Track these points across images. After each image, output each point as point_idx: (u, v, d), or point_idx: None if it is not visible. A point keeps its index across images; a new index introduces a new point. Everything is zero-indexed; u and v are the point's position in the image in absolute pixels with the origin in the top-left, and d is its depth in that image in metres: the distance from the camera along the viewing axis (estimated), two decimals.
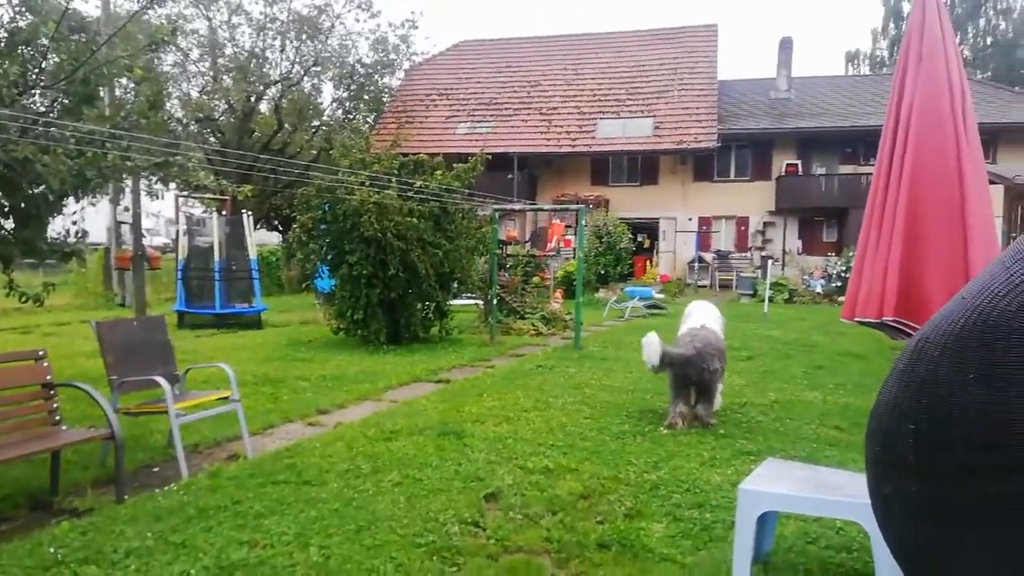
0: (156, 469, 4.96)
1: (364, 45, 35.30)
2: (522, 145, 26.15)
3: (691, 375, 5.92)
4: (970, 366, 1.43)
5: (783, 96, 28.02)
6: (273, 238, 30.52)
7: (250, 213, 15.68)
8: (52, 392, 4.50)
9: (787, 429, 5.96)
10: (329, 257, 11.05)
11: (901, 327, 4.00)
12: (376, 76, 29.95)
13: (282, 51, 27.39)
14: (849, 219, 23.35)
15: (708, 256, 25.90)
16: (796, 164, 25.66)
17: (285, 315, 15.71)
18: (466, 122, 27.77)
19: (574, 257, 17.40)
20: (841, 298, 17.59)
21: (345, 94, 29.99)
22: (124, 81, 11.00)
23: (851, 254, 19.79)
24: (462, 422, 6.02)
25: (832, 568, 3.38)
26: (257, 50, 27.03)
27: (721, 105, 26.37)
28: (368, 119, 30.50)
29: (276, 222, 28.47)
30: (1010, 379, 1.36)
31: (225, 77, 26.90)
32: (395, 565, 3.34)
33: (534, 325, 13.10)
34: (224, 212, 15.79)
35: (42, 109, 7.46)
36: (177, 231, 15.63)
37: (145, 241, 16.23)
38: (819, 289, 21.99)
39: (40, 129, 6.58)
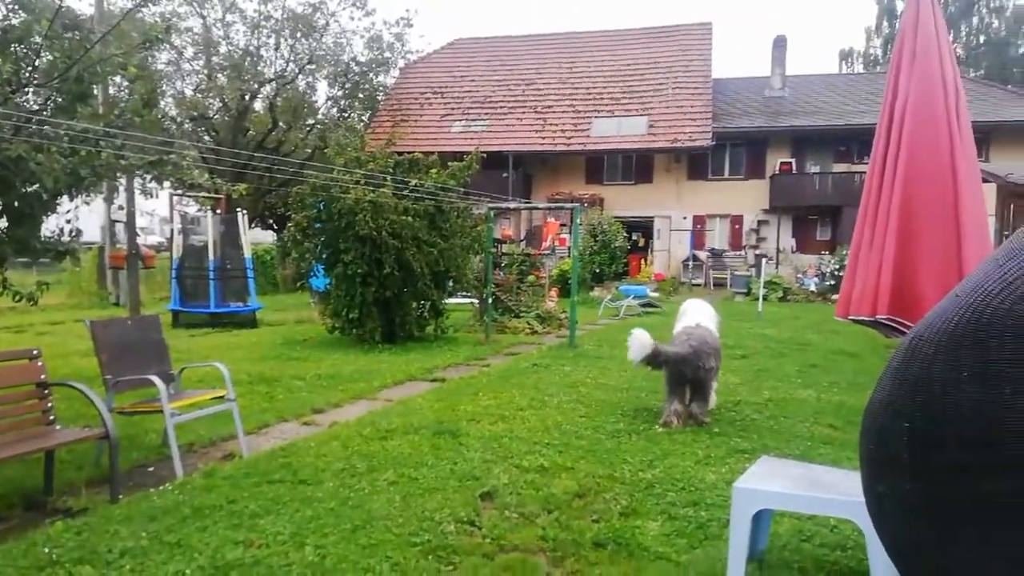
0: (151, 469, 4.95)
1: (359, 43, 35.25)
2: (517, 144, 26.14)
3: (686, 373, 5.93)
4: (964, 364, 1.43)
5: (777, 94, 28.08)
6: (268, 237, 30.46)
7: (245, 212, 15.64)
8: (46, 391, 4.49)
9: (781, 427, 5.98)
10: (324, 256, 11.04)
11: (895, 325, 4.02)
12: (371, 74, 29.93)
13: (276, 49, 27.35)
14: (843, 217, 23.42)
15: (702, 255, 25.95)
16: (790, 162, 25.71)
17: (280, 314, 15.68)
18: (461, 120, 27.75)
19: (569, 256, 17.41)
20: (835, 296, 17.63)
21: (340, 92, 29.96)
22: (118, 79, 10.97)
23: (845, 252, 19.86)
24: (457, 421, 6.02)
25: (827, 566, 3.39)
26: (251, 48, 26.98)
27: (715, 103, 26.41)
28: (363, 117, 30.46)
29: (271, 221, 28.43)
30: (1004, 377, 1.36)
31: (219, 75, 26.83)
32: (391, 564, 3.34)
33: (529, 324, 13.11)
34: (219, 211, 15.73)
35: (35, 107, 7.42)
36: (172, 230, 15.58)
37: (139, 240, 16.16)
38: (813, 287, 22.06)
39: (34, 127, 6.56)
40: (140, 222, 20.11)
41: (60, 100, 7.26)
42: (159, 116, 20.06)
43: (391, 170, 11.26)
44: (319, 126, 28.91)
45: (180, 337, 11.65)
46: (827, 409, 6.66)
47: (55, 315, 15.47)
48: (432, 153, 12.30)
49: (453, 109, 28.38)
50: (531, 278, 17.11)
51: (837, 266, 20.87)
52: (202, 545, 3.51)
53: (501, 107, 28.07)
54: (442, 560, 3.40)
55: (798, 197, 25.16)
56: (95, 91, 8.40)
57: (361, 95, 30.23)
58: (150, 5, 12.46)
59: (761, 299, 17.53)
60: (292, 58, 27.38)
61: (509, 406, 6.63)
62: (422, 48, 33.06)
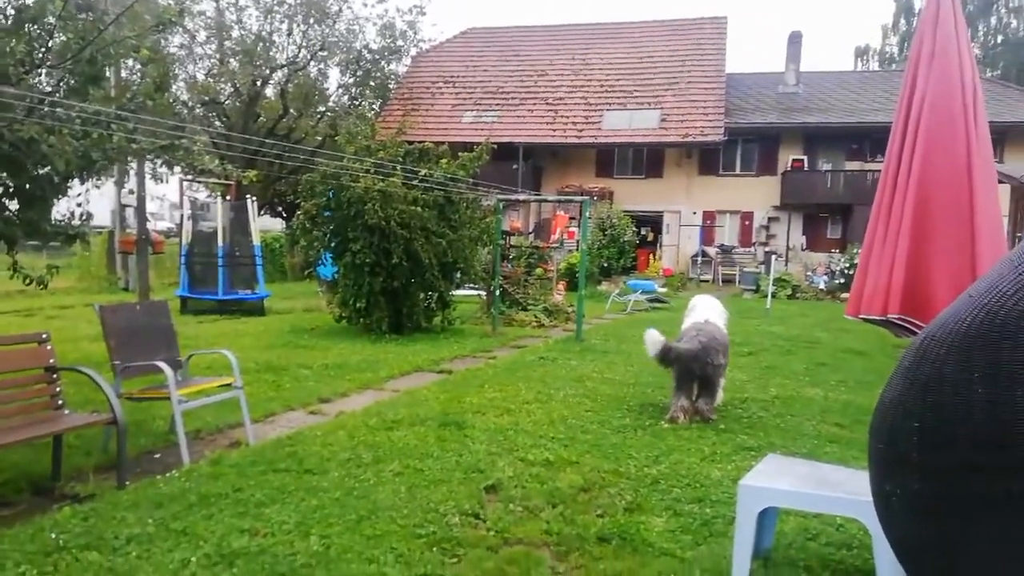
0: (158, 455, 4.97)
1: (371, 30, 35.25)
2: (528, 135, 26.07)
3: (695, 370, 5.92)
4: (976, 365, 1.41)
5: (791, 91, 27.88)
6: (277, 224, 30.51)
7: (254, 199, 15.67)
8: (55, 376, 4.51)
9: (788, 425, 5.96)
10: (332, 244, 11.04)
11: (906, 325, 3.99)
12: (383, 62, 29.86)
13: (289, 35, 27.31)
14: (854, 216, 23.27)
15: (712, 250, 25.85)
16: (802, 159, 25.55)
17: (288, 302, 15.72)
18: (472, 111, 27.69)
19: (577, 249, 17.38)
20: (844, 295, 17.55)
21: (351, 80, 29.90)
22: (131, 62, 10.98)
23: (855, 251, 19.75)
24: (463, 413, 6.02)
25: (832, 565, 3.38)
26: (264, 33, 26.95)
27: (728, 99, 26.25)
28: (374, 106, 30.42)
29: (280, 208, 28.46)
30: (1016, 378, 1.34)
31: (231, 60, 26.84)
32: (395, 555, 3.35)
33: (536, 317, 13.10)
34: (228, 197, 15.77)
35: (48, 89, 7.43)
36: (181, 216, 15.62)
37: (149, 225, 16.22)
38: (822, 285, 21.95)
39: (46, 109, 6.57)
40: (150, 207, 20.22)
41: (73, 82, 7.26)
42: (171, 100, 20.11)
43: (401, 159, 11.24)
44: (330, 114, 28.90)
45: (188, 323, 11.69)
46: (834, 407, 6.63)
47: (64, 299, 15.56)
48: (442, 143, 12.27)
49: (464, 99, 28.31)
50: (539, 271, 17.08)
51: (847, 264, 20.75)
52: (208, 533, 3.52)
53: (513, 98, 27.98)
54: (446, 552, 3.41)
55: (809, 194, 25.01)
56: (108, 73, 8.41)
57: (373, 83, 30.18)
58: None
59: (770, 296, 17.46)
60: (304, 44, 27.36)
61: (515, 399, 6.63)
62: (435, 37, 33.08)
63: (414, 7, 28.62)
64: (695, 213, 26.28)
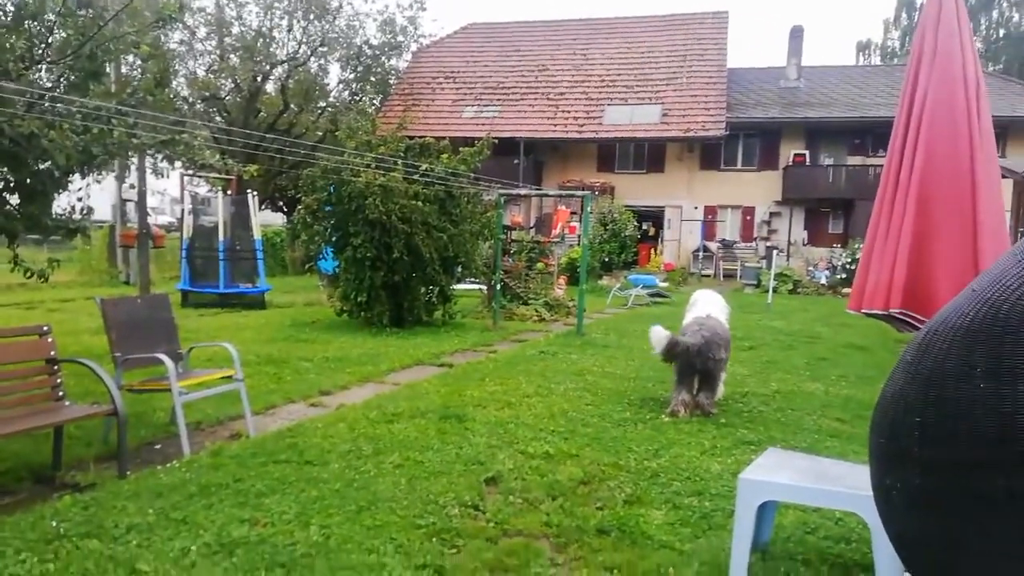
0: (158, 446, 4.98)
1: (371, 26, 35.28)
2: (529, 130, 26.04)
3: (696, 364, 5.92)
4: (978, 360, 1.41)
5: (792, 85, 27.81)
6: (278, 219, 30.54)
7: (255, 193, 15.66)
8: (56, 368, 4.52)
9: (788, 419, 5.96)
10: (333, 239, 11.04)
11: (908, 320, 3.99)
12: (383, 58, 29.82)
13: (289, 31, 27.28)
14: (856, 211, 23.24)
15: (713, 245, 25.83)
16: (804, 154, 25.51)
17: (289, 296, 15.74)
18: (473, 106, 27.65)
19: (578, 244, 17.37)
20: (845, 290, 17.54)
21: (352, 75, 29.87)
22: (131, 58, 10.97)
23: (857, 246, 19.74)
24: (464, 406, 6.03)
25: (831, 559, 3.39)
26: (264, 29, 26.92)
27: (730, 93, 26.19)
28: (374, 101, 30.39)
29: (281, 203, 28.48)
30: (1018, 373, 1.34)
31: (232, 56, 26.80)
32: (395, 546, 3.35)
33: (537, 311, 13.10)
34: (229, 192, 15.78)
35: (48, 84, 7.43)
36: (182, 210, 15.63)
37: (150, 219, 16.24)
38: (823, 280, 21.93)
39: (46, 104, 6.57)
40: (151, 201, 20.21)
41: (73, 77, 7.26)
42: (171, 96, 20.09)
43: (402, 154, 11.23)
44: (330, 109, 28.87)
45: (189, 317, 11.71)
46: (835, 402, 6.63)
47: (66, 292, 15.58)
48: (443, 138, 12.28)
49: (465, 94, 28.26)
50: (540, 265, 17.08)
51: (849, 259, 20.74)
52: (208, 522, 3.53)
53: (513, 93, 27.93)
54: (446, 543, 3.42)
55: (811, 189, 24.97)
56: (108, 69, 8.41)
57: (373, 78, 30.14)
58: None
59: (771, 291, 17.45)
60: (304, 40, 27.33)
61: (515, 392, 6.64)
62: (435, 32, 33.14)
63: (414, 3, 28.63)
64: (696, 208, 26.24)
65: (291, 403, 6.29)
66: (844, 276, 20.60)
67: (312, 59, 27.85)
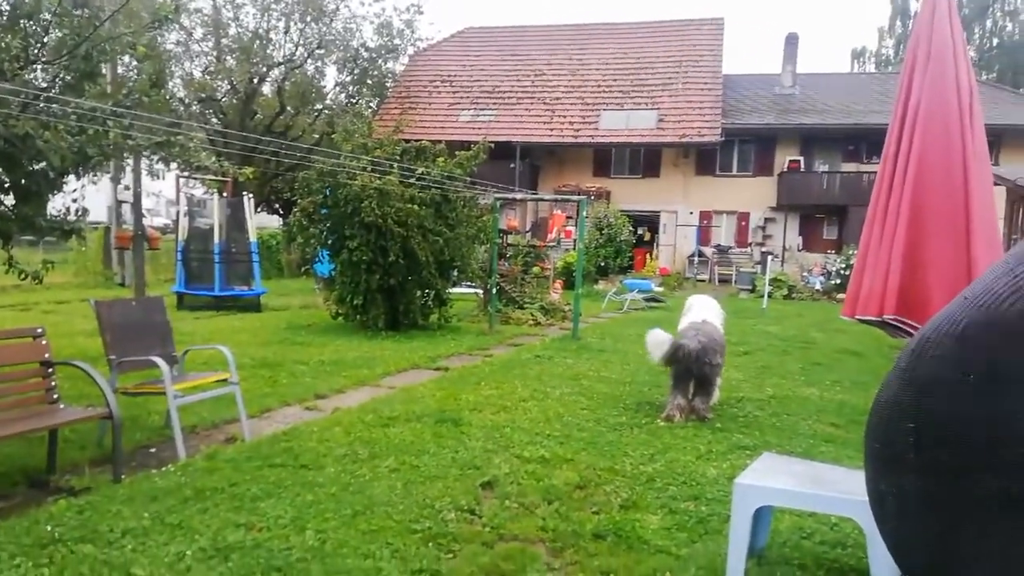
0: (153, 450, 4.96)
1: (368, 29, 35.19)
2: (525, 134, 26.07)
3: (692, 369, 5.93)
4: (971, 366, 1.43)
5: (787, 92, 27.94)
6: (273, 221, 30.48)
7: (251, 195, 15.65)
8: (50, 370, 4.50)
9: (783, 424, 5.98)
10: (329, 242, 11.03)
11: (902, 326, 4.01)
12: (380, 61, 29.83)
13: (286, 33, 27.27)
14: (850, 217, 23.35)
15: (708, 250, 25.89)
16: (799, 160, 25.62)
17: (284, 299, 15.70)
18: (469, 110, 27.68)
19: (574, 248, 17.39)
20: (840, 295, 17.58)
21: (348, 78, 29.87)
22: (127, 59, 10.95)
23: (851, 252, 19.80)
24: (459, 410, 6.03)
25: (826, 563, 3.40)
26: (261, 31, 26.89)
27: (725, 99, 26.29)
28: (371, 104, 30.40)
29: (277, 205, 28.44)
30: (1010, 379, 1.36)
31: (228, 57, 26.78)
32: (391, 550, 3.35)
33: (533, 315, 13.11)
34: (225, 194, 15.75)
35: (43, 85, 7.41)
36: (178, 212, 15.59)
37: (145, 221, 16.18)
38: (818, 286, 21.99)
39: (41, 105, 6.55)
40: (146, 203, 20.15)
41: (68, 78, 7.24)
42: (167, 97, 20.04)
43: (398, 157, 11.23)
44: (327, 111, 28.86)
45: (184, 319, 11.67)
46: (830, 407, 6.65)
47: (60, 294, 15.52)
48: (439, 141, 12.26)
49: (462, 98, 28.30)
50: (536, 269, 17.10)
51: (843, 265, 20.81)
52: (203, 527, 3.52)
53: (510, 97, 27.98)
54: (442, 548, 3.42)
55: (806, 195, 25.09)
56: (103, 70, 8.39)
57: (370, 81, 30.14)
58: None
59: (766, 296, 17.50)
60: (301, 42, 27.31)
61: (511, 396, 6.64)
62: (432, 36, 33.07)
63: (411, 6, 28.76)
64: (692, 213, 26.32)
65: (286, 406, 6.28)
66: (838, 282, 20.65)
67: (309, 61, 27.85)
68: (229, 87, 26.64)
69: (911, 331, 3.91)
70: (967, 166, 3.93)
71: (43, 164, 6.55)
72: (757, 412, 6.37)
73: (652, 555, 3.41)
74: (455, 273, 12.06)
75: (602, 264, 23.20)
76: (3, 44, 6.29)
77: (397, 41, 29.38)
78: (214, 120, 27.07)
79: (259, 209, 24.24)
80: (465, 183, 11.77)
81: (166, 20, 7.90)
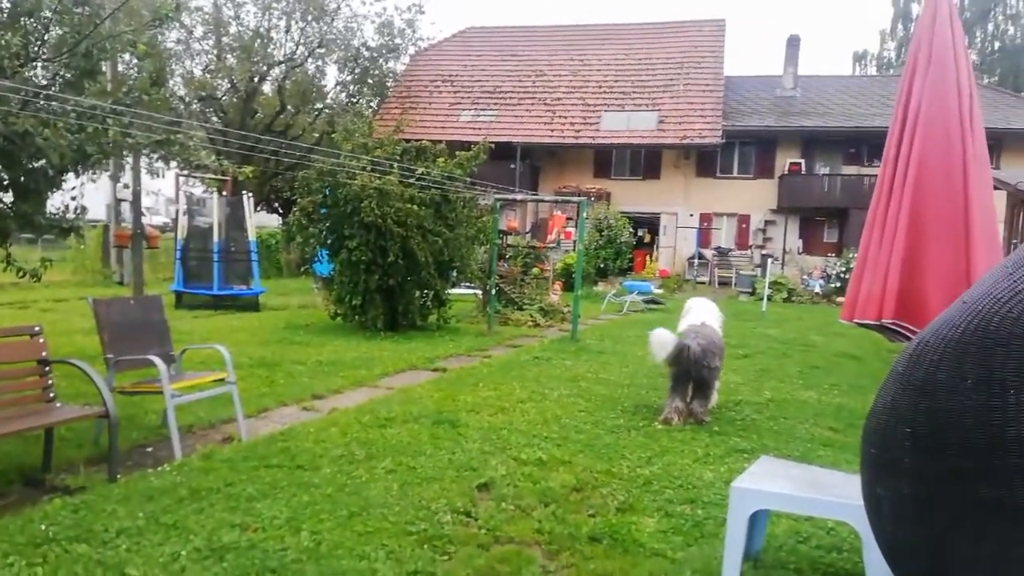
0: (149, 449, 4.96)
1: (369, 28, 35.22)
2: (525, 135, 26.07)
3: (691, 372, 5.92)
4: (969, 371, 1.41)
5: (789, 94, 27.94)
6: (273, 221, 30.47)
7: (250, 194, 15.65)
8: (47, 369, 4.50)
9: (781, 428, 5.97)
10: (329, 242, 11.02)
11: (900, 330, 4.00)
12: (381, 60, 29.84)
13: (287, 32, 27.28)
14: (850, 220, 23.34)
15: (708, 253, 25.88)
16: (799, 163, 25.61)
17: (283, 298, 15.69)
18: (470, 110, 27.68)
19: (574, 249, 17.39)
20: (840, 299, 17.57)
21: (349, 77, 29.88)
22: (127, 57, 10.94)
23: (851, 255, 19.79)
24: (457, 411, 6.02)
25: (822, 568, 3.39)
26: (262, 30, 26.91)
27: (726, 101, 26.29)
28: (372, 103, 30.40)
29: (276, 204, 28.44)
30: (1009, 385, 1.35)
31: (229, 56, 26.79)
32: (386, 552, 3.34)
33: (532, 316, 13.10)
34: (224, 193, 15.74)
35: (43, 82, 7.41)
36: (177, 210, 15.58)
37: (144, 220, 16.17)
38: (818, 289, 21.99)
39: (41, 102, 6.54)
40: (146, 202, 20.13)
41: (68, 76, 7.24)
42: (167, 95, 20.03)
43: (398, 157, 11.23)
44: (327, 111, 28.86)
45: (182, 318, 11.66)
46: (828, 411, 6.64)
47: (59, 292, 15.51)
48: (440, 141, 12.25)
49: (462, 98, 28.30)
50: (535, 271, 17.09)
51: (843, 268, 20.80)
52: (198, 527, 3.51)
53: (511, 98, 27.98)
54: (437, 550, 3.40)
55: (806, 198, 25.08)
56: (104, 68, 8.38)
57: (370, 81, 30.15)
58: None
59: (766, 299, 17.50)
60: (302, 41, 27.33)
61: (509, 398, 6.63)
62: (433, 35, 33.04)
63: (413, 6, 28.75)
64: (692, 215, 26.31)
65: (284, 407, 6.27)
66: (838, 285, 20.64)
67: (309, 60, 27.86)
68: (229, 86, 26.65)
69: (910, 335, 3.90)
70: (967, 170, 3.93)
71: (42, 162, 6.55)
72: (755, 415, 6.36)
73: (648, 558, 3.40)
74: (454, 274, 12.06)
75: (602, 266, 23.19)
76: (3, 41, 6.28)
77: (398, 41, 29.41)
78: (214, 119, 27.08)
79: (259, 208, 24.25)
80: (465, 183, 11.76)
81: (166, 18, 7.91)
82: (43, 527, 3.44)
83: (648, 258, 25.30)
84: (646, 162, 26.76)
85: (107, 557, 3.19)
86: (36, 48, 7.02)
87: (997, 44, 42.88)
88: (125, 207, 17.72)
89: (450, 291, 12.06)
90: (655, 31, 30.20)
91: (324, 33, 27.41)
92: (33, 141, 6.06)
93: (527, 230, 24.14)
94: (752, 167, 26.27)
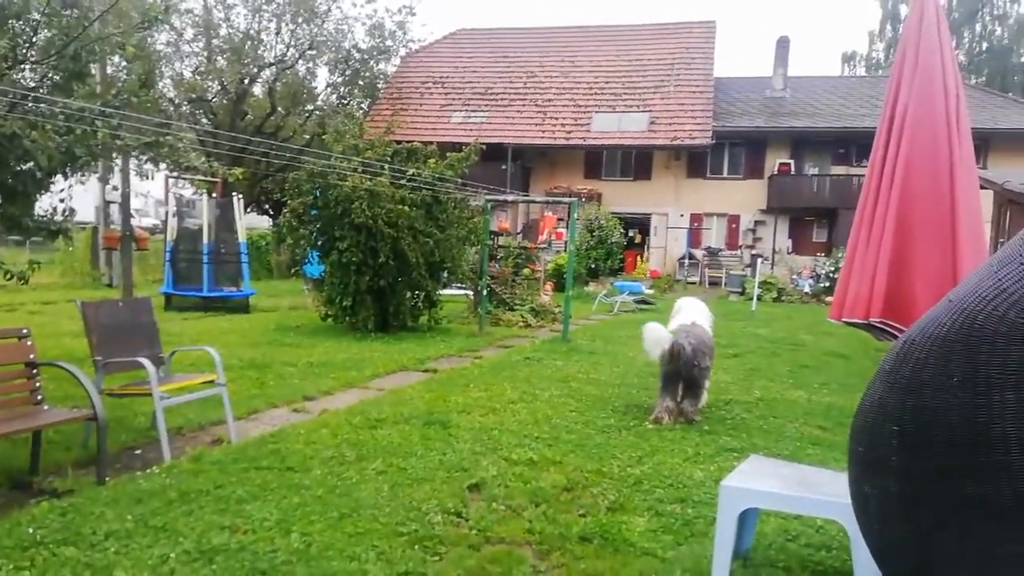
0: (138, 451, 4.93)
1: (360, 30, 35.15)
2: (516, 136, 26.08)
3: (681, 371, 5.94)
4: (955, 369, 1.43)
5: (778, 95, 28.07)
6: (263, 222, 30.36)
7: (240, 196, 15.59)
8: (35, 371, 4.46)
9: (771, 427, 5.99)
10: (319, 243, 11.00)
11: (888, 329, 4.03)
12: (371, 62, 29.76)
13: (277, 33, 27.18)
14: (839, 220, 23.46)
15: (698, 253, 25.96)
16: (789, 163, 25.73)
17: (273, 300, 15.64)
18: (461, 111, 27.66)
19: (565, 250, 17.40)
20: (829, 298, 17.66)
21: (340, 79, 29.80)
22: (116, 59, 10.90)
23: (840, 255, 19.90)
24: (448, 412, 6.01)
25: (811, 566, 3.40)
26: (252, 31, 26.80)
27: (716, 102, 26.38)
28: (362, 105, 30.32)
29: (267, 206, 28.33)
30: (993, 383, 1.36)
31: (219, 58, 26.68)
32: (377, 553, 3.34)
33: (523, 317, 13.10)
34: (214, 194, 15.68)
35: (32, 84, 7.36)
36: (166, 212, 15.51)
37: (134, 221, 16.09)
38: (807, 289, 22.09)
39: (29, 105, 6.50)
40: (135, 203, 20.04)
41: (57, 78, 7.20)
42: (157, 97, 19.93)
43: (389, 159, 11.21)
44: (318, 112, 28.78)
45: (172, 320, 11.61)
46: (817, 410, 6.67)
47: (47, 295, 15.40)
48: (431, 143, 12.25)
49: (453, 99, 28.28)
50: (526, 271, 17.10)
51: (832, 268, 20.91)
52: (188, 529, 3.50)
53: (502, 99, 27.99)
54: (428, 550, 3.40)
55: (795, 198, 25.19)
56: (93, 70, 8.34)
57: (361, 82, 30.08)
58: None
59: (755, 299, 17.57)
60: (293, 43, 27.23)
61: (500, 399, 6.63)
62: (424, 37, 32.93)
63: (403, 7, 28.58)
64: (682, 215, 26.38)
65: (274, 408, 6.25)
66: (827, 284, 20.75)
67: (300, 62, 27.76)
68: (220, 87, 26.54)
69: (897, 334, 3.93)
70: (954, 171, 3.96)
71: (30, 164, 6.51)
72: (745, 414, 6.38)
73: (638, 557, 3.41)
74: (445, 274, 12.05)
75: (593, 266, 23.23)
76: None
77: (389, 42, 29.33)
78: (204, 120, 26.96)
79: (249, 210, 24.17)
80: (456, 184, 11.76)
81: (156, 20, 7.88)
82: (31, 530, 3.41)
83: (639, 258, 25.35)
84: (637, 163, 26.83)
85: (95, 560, 3.17)
86: (24, 50, 6.98)
87: (984, 45, 43.20)
88: (114, 209, 17.64)
89: (441, 292, 12.05)
90: (645, 33, 30.28)
91: (315, 35, 27.33)
92: (21, 143, 6.02)
93: (518, 231, 24.16)
94: (742, 168, 26.37)
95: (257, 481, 4.21)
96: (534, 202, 22.64)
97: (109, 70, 12.69)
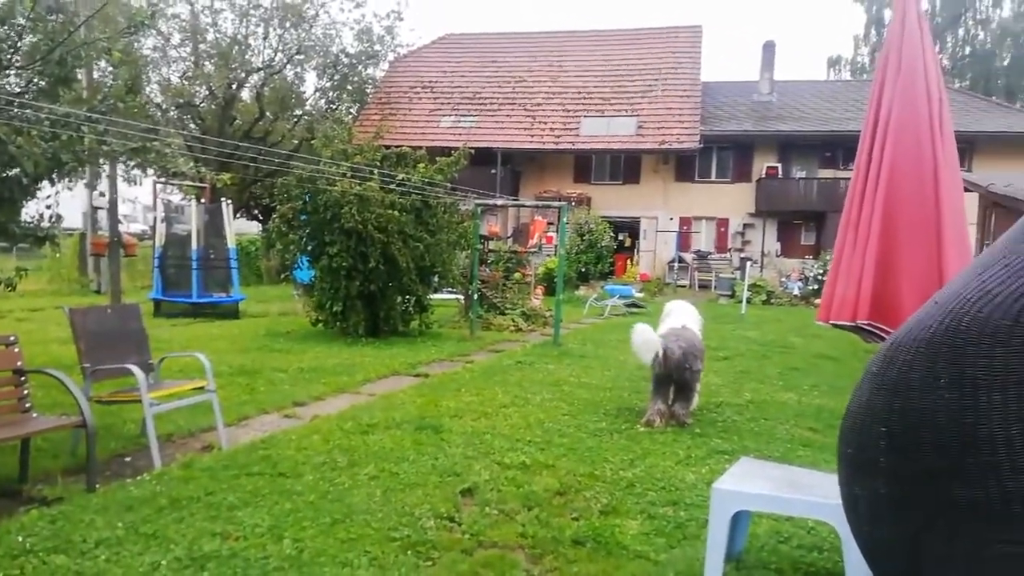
0: (128, 459, 4.90)
1: (348, 35, 35.16)
2: (506, 141, 26.11)
3: (672, 374, 5.95)
4: (941, 370, 1.45)
5: (765, 99, 28.24)
6: (253, 227, 30.24)
7: (229, 201, 15.52)
8: (23, 378, 4.43)
9: (762, 429, 6.02)
10: (309, 248, 10.98)
11: (875, 331, 4.06)
12: (360, 67, 29.76)
13: (265, 38, 27.13)
14: (827, 223, 23.62)
15: (688, 256, 26.06)
16: (776, 167, 25.88)
17: (263, 305, 15.58)
18: (450, 116, 27.67)
19: (555, 254, 17.43)
20: (817, 300, 17.76)
21: (328, 84, 29.77)
22: (102, 64, 10.84)
23: (828, 257, 20.02)
24: (440, 416, 6.01)
25: (803, 567, 3.42)
26: (239, 36, 26.75)
27: (704, 106, 26.52)
28: (351, 110, 30.29)
29: (256, 211, 28.23)
30: (979, 384, 1.38)
31: (206, 63, 26.58)
32: (369, 559, 3.33)
33: (514, 321, 13.11)
34: (203, 200, 15.60)
35: (17, 90, 7.32)
36: (155, 218, 15.43)
37: (122, 227, 15.99)
38: (796, 291, 22.22)
39: (15, 110, 6.47)
40: (123, 209, 19.92)
41: (42, 83, 7.16)
42: (144, 102, 19.85)
43: (378, 163, 11.21)
44: (307, 117, 28.72)
45: (161, 326, 11.54)
46: (807, 412, 6.71)
47: (35, 301, 15.28)
48: (420, 147, 12.26)
49: (442, 104, 28.29)
50: (517, 275, 17.11)
51: (821, 271, 21.05)
52: (178, 536, 3.48)
53: (491, 103, 28.02)
54: (421, 555, 3.40)
55: (783, 201, 25.34)
56: (78, 75, 8.30)
57: (350, 87, 30.05)
58: None
59: (745, 301, 17.65)
60: (280, 48, 27.19)
61: (492, 403, 6.63)
62: (412, 42, 33.03)
63: (392, 12, 28.84)
64: (672, 219, 26.48)
65: (264, 414, 6.22)
66: (816, 287, 20.89)
67: (288, 67, 27.73)
68: (207, 93, 26.44)
69: (884, 336, 3.96)
70: (938, 175, 3.99)
71: (16, 170, 6.46)
72: (736, 417, 6.41)
73: (631, 560, 3.42)
74: (436, 279, 12.05)
75: (583, 270, 23.28)
76: None
77: (377, 47, 29.36)
78: (192, 126, 26.85)
79: (238, 215, 24.06)
80: (446, 189, 11.77)
81: (142, 26, 7.86)
82: (20, 539, 3.39)
83: (629, 262, 25.42)
84: (626, 167, 26.92)
85: (86, 568, 3.15)
86: (9, 56, 6.94)
87: (968, 49, 43.61)
88: (102, 215, 17.49)
89: (432, 296, 12.05)
90: (633, 38, 30.40)
91: (303, 40, 27.30)
92: (6, 149, 5.98)
93: (508, 235, 24.16)
94: (730, 171, 26.50)
95: (248, 487, 4.19)
96: (524, 206, 22.65)
97: (95, 75, 12.61)
